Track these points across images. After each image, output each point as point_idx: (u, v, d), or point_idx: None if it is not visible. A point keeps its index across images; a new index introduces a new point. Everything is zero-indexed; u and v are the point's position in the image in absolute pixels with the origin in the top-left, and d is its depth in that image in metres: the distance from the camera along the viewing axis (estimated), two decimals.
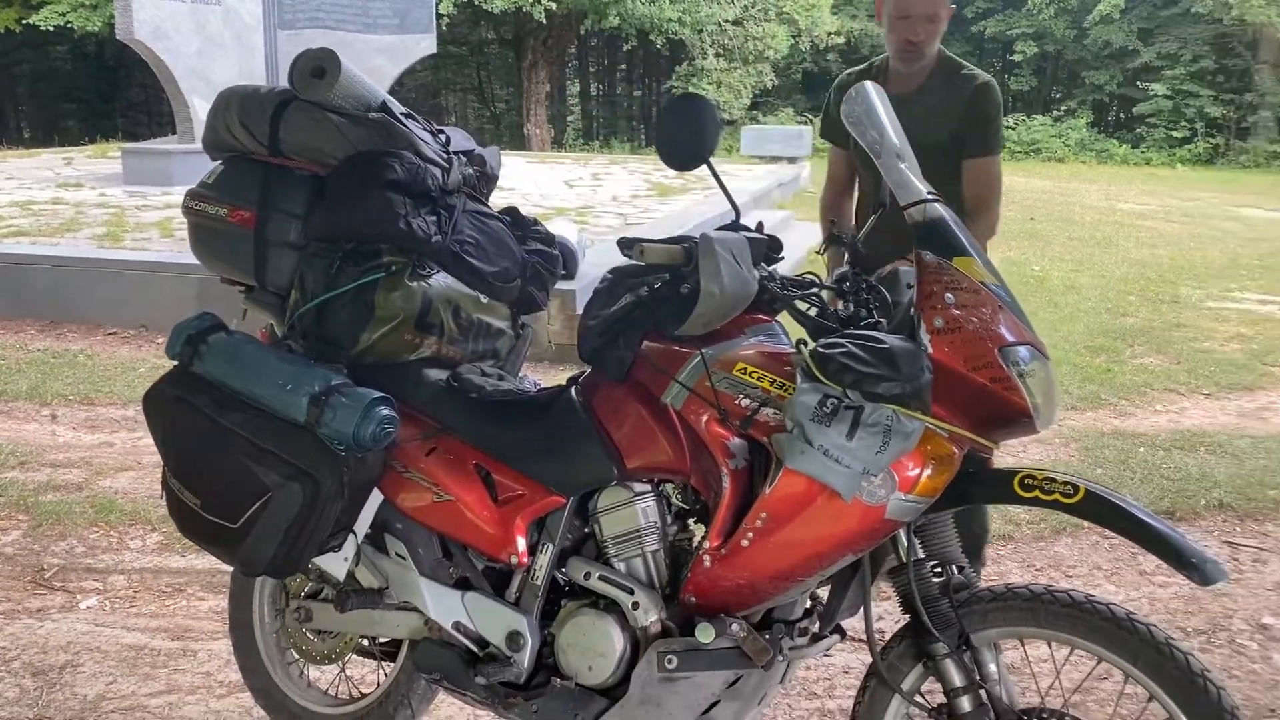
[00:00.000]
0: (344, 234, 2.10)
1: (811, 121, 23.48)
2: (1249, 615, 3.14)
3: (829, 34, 23.45)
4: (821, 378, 1.69)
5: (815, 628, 1.94)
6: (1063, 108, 25.52)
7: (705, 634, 1.78)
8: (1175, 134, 22.87)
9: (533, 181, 10.74)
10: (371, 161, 2.10)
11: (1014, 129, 23.40)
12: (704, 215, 8.35)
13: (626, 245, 1.88)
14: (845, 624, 1.96)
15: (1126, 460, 4.41)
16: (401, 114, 2.25)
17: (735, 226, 1.89)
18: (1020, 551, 3.50)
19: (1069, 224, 11.96)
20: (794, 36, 23.34)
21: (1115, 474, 4.20)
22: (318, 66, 2.15)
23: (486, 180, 2.38)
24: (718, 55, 23.03)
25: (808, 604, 1.98)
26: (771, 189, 11.98)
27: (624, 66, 30.13)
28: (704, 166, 1.84)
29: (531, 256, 2.35)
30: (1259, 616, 3.13)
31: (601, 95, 31.12)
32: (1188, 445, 4.60)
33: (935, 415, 1.68)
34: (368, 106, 2.20)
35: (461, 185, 2.25)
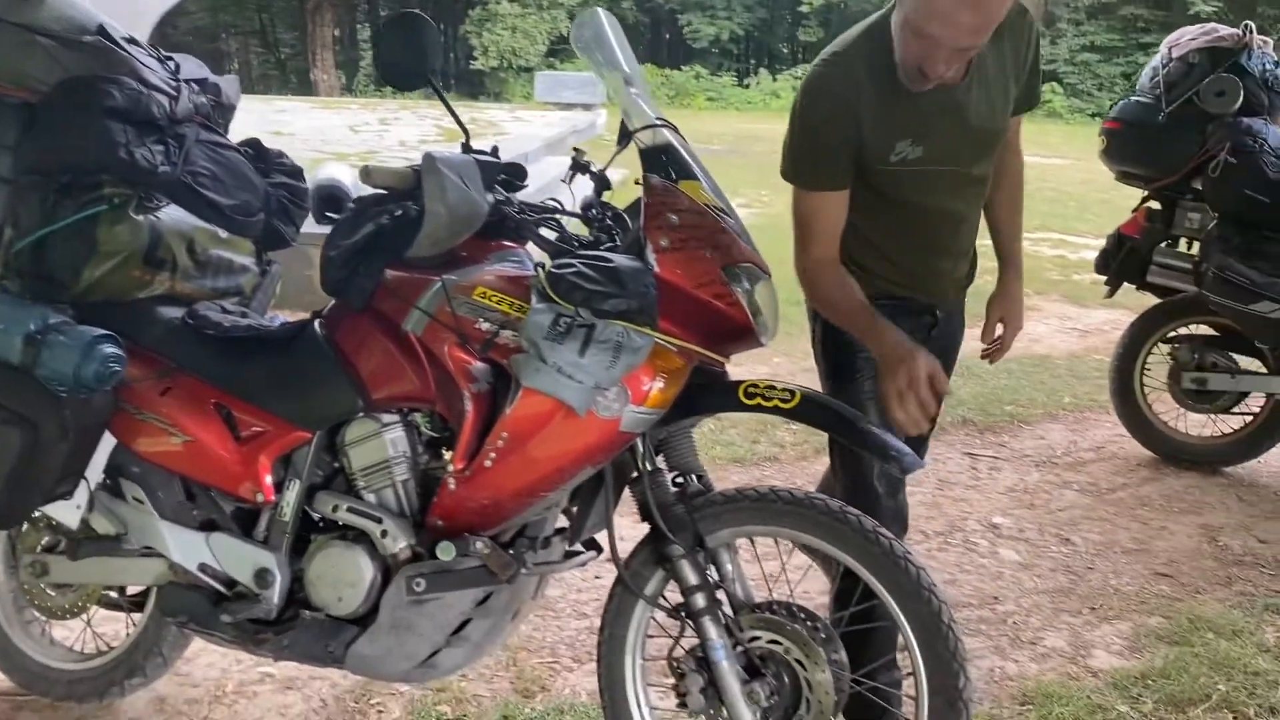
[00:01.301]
0: (59, 165, 1.97)
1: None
2: (982, 516, 3.45)
3: None
4: (554, 297, 1.73)
5: (567, 543, 2.01)
6: None
7: (446, 552, 1.81)
8: None
9: (315, 127, 10.32)
10: (87, 87, 1.96)
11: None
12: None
13: (364, 173, 1.86)
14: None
15: None
16: (123, 39, 2.12)
17: (466, 150, 1.89)
18: (784, 471, 3.70)
19: None
20: None
21: None
22: None
23: (223, 110, 2.28)
24: (512, 0, 22.69)
25: (565, 522, 2.04)
26: (566, 135, 11.93)
27: (418, 10, 29.24)
28: (429, 87, 1.83)
29: (276, 190, 2.28)
30: (991, 517, 3.45)
31: None
32: None
33: (664, 331, 1.75)
34: (82, 29, 2.05)
35: (193, 114, 2.15)
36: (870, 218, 2.05)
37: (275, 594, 1.96)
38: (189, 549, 2.01)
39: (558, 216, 1.98)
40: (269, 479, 1.98)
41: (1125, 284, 4.01)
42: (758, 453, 3.87)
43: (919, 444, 2.33)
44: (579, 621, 2.70)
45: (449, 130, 10.91)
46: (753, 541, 1.97)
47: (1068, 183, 12.13)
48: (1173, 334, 3.94)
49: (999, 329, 2.32)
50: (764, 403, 1.81)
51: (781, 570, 1.98)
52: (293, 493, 1.98)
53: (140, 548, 2.07)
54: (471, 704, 2.34)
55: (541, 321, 1.72)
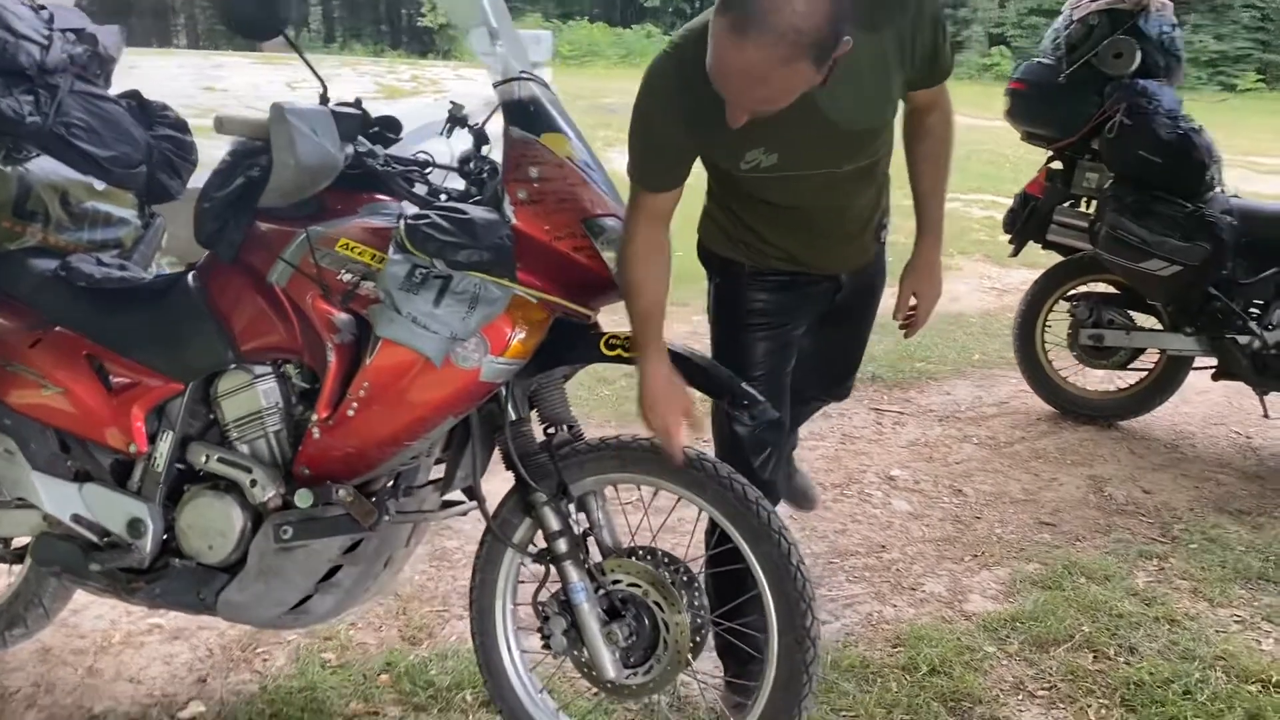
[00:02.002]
0: None
1: (559, 29, 23.18)
2: (880, 470, 3.54)
3: None
4: (410, 248, 1.75)
5: (440, 492, 2.05)
6: None
7: (304, 500, 1.84)
8: None
9: (251, 83, 10.14)
10: None
11: None
12: (428, 118, 8.17)
13: (218, 123, 1.86)
14: None
15: None
16: None
17: (324, 101, 1.90)
18: None
19: None
20: None
21: None
22: None
23: (101, 61, 2.26)
24: None
25: (443, 472, 2.07)
26: None
27: None
28: (281, 38, 1.82)
29: (159, 142, 2.27)
30: (888, 470, 3.53)
31: None
32: None
33: (524, 282, 1.78)
34: None
35: (67, 64, 2.13)
36: (746, 207, 1.99)
37: (148, 543, 1.98)
38: (62, 500, 2.03)
39: (428, 169, 2.00)
40: (141, 430, 2.00)
41: (1031, 243, 4.09)
42: None
43: (844, 380, 2.46)
44: None
45: (389, 86, 10.79)
46: (617, 488, 2.02)
47: (1007, 145, 12.19)
48: (1073, 292, 4.04)
49: (913, 301, 2.17)
50: (624, 354, 1.86)
51: (644, 515, 2.03)
52: (166, 444, 2.00)
53: (13, 499, 2.08)
54: (356, 651, 2.39)
55: (397, 272, 1.74)
